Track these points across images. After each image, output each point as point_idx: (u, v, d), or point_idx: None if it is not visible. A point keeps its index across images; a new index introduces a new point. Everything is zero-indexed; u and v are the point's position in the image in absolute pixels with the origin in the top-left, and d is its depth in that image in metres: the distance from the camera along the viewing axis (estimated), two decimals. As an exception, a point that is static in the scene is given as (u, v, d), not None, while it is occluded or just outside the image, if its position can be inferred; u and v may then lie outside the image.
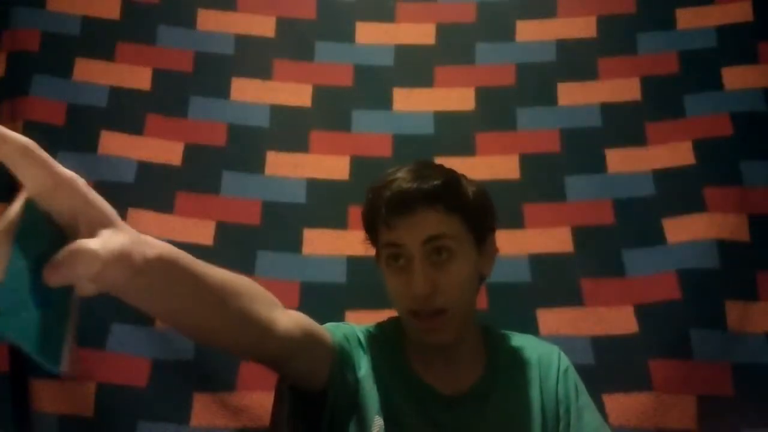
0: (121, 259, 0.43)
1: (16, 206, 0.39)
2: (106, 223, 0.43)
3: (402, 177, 0.90)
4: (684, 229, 1.50)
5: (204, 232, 1.54)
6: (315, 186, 1.61)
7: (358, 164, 1.64)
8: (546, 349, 1.01)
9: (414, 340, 0.95)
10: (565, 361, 1.00)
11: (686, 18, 1.71)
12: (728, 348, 1.40)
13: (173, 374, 1.41)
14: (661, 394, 1.36)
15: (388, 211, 0.87)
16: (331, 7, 1.79)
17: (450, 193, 0.89)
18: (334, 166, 1.63)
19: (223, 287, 0.60)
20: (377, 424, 0.86)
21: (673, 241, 1.50)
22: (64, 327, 0.38)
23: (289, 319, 0.74)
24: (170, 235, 1.52)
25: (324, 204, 1.59)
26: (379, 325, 1.00)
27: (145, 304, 0.52)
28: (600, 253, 1.51)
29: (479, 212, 0.92)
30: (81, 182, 0.42)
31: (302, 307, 1.47)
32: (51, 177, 0.40)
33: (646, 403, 1.36)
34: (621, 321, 1.44)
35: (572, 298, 1.47)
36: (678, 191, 1.54)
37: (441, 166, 0.95)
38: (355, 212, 1.57)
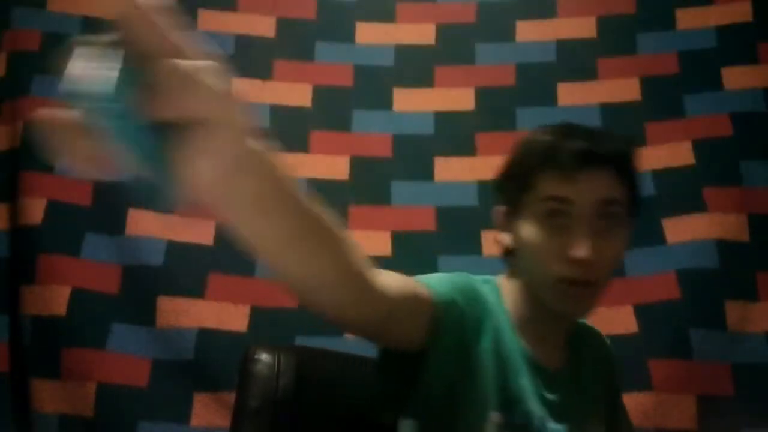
0: (230, 99, 0.36)
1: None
2: None
3: (584, 132, 0.81)
4: (684, 229, 1.50)
5: (205, 233, 1.54)
6: (315, 186, 1.60)
7: (358, 164, 1.64)
8: (605, 343, 0.97)
9: (556, 309, 0.81)
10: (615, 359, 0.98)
11: (686, 18, 1.71)
12: (728, 348, 1.40)
13: (173, 374, 1.41)
14: (661, 393, 1.37)
15: (571, 161, 0.77)
16: (331, 7, 1.79)
17: (632, 161, 0.82)
18: (334, 166, 1.63)
19: (331, 226, 0.53)
20: (493, 421, 0.75)
21: (673, 241, 1.50)
22: (167, 162, 0.35)
23: (385, 275, 0.64)
24: (171, 235, 1.52)
25: (323, 204, 1.58)
26: (485, 283, 0.86)
27: (249, 221, 0.45)
28: (600, 253, 1.52)
29: (640, 191, 0.84)
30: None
31: (302, 307, 1.48)
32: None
33: (646, 403, 1.36)
34: (621, 321, 1.44)
35: (572, 298, 1.47)
36: (678, 191, 1.54)
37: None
38: (355, 213, 1.57)
